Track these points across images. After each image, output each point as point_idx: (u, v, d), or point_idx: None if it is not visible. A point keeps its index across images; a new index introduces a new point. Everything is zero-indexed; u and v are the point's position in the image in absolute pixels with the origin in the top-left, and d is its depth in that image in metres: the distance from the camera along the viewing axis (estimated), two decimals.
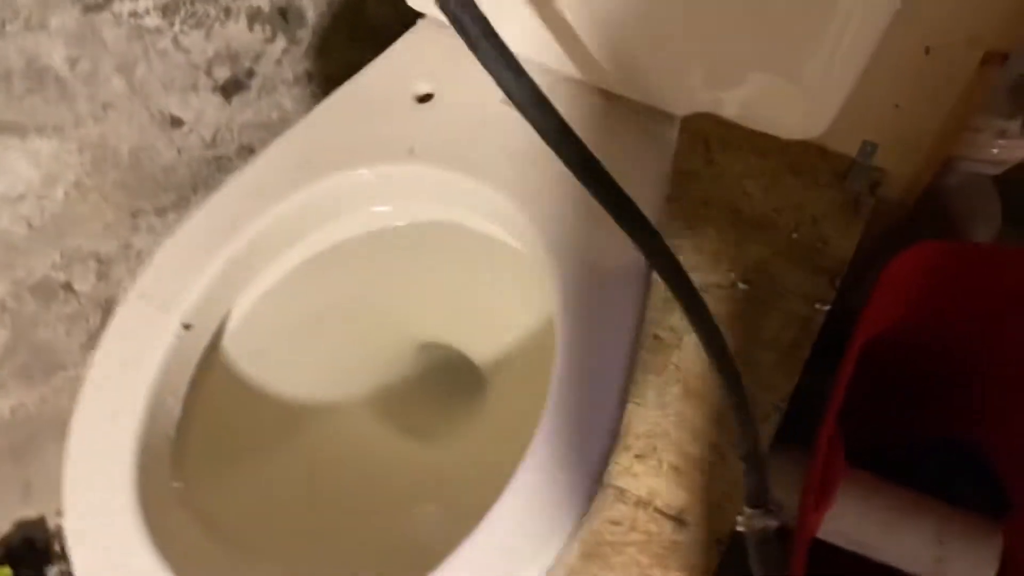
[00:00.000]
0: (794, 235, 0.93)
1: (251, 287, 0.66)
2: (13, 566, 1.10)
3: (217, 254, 0.61)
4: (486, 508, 0.56)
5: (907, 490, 0.90)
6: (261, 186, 0.63)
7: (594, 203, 0.46)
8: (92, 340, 1.20)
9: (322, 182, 0.65)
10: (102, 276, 1.16)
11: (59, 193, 1.03)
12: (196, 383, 0.62)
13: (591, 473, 0.51)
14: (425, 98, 0.72)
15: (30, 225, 1.03)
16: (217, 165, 1.19)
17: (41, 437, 1.27)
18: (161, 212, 1.17)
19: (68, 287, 1.14)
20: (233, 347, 0.66)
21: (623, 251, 0.55)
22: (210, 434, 0.63)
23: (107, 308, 1.20)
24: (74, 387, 1.25)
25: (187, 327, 0.60)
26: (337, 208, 0.66)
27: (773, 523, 0.66)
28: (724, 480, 0.84)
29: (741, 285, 0.91)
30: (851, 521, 0.88)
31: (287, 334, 0.70)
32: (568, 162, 0.45)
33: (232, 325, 0.66)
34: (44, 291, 1.11)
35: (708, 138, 1.00)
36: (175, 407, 0.60)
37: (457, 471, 0.68)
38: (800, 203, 0.95)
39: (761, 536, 0.66)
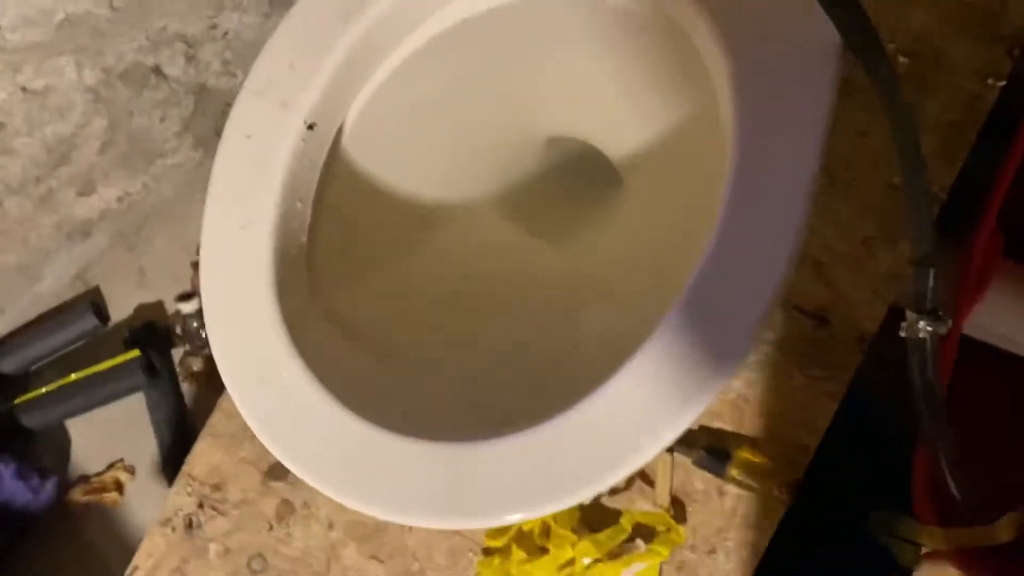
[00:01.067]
0: None
1: (370, 81, 0.59)
2: (139, 348, 1.14)
3: (334, 46, 0.55)
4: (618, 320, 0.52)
5: None
6: None
7: None
8: (187, 127, 1.18)
9: None
10: (191, 59, 1.11)
11: None
12: (323, 185, 0.58)
13: (763, 310, 0.46)
14: None
15: (113, 7, 0.97)
16: None
17: (148, 225, 1.29)
18: None
19: (158, 71, 1.10)
20: (355, 146, 0.61)
21: (810, 25, 0.46)
22: (340, 239, 0.60)
23: (199, 93, 1.17)
24: (174, 174, 1.24)
25: (311, 126, 0.55)
26: None
27: (942, 330, 0.60)
28: (873, 276, 0.79)
29: (902, 59, 0.80)
30: (1003, 314, 0.82)
31: (408, 130, 0.64)
32: None
33: (352, 122, 0.60)
34: (135, 77, 1.07)
35: None
36: (305, 212, 0.56)
37: (590, 276, 0.64)
38: None
39: (925, 344, 0.61)
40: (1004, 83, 0.78)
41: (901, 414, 0.70)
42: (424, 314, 0.61)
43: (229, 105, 1.25)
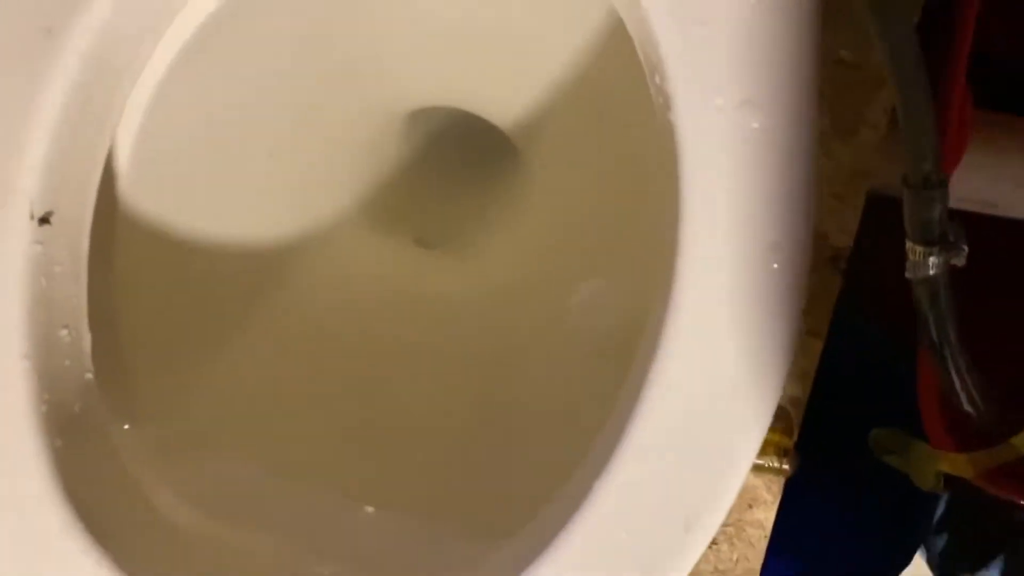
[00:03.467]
0: None
1: (126, 116, 0.40)
2: None
3: (44, 84, 0.35)
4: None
5: None
6: None
7: None
8: None
9: None
10: None
11: None
12: (101, 289, 0.40)
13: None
14: None
15: None
16: None
17: None
18: None
19: None
20: (137, 208, 0.43)
21: None
22: (153, 341, 0.42)
23: None
24: None
25: (44, 219, 0.36)
26: None
27: (959, 260, 0.49)
28: (833, 179, 0.67)
29: None
30: (987, 175, 0.72)
31: (212, 155, 0.46)
32: None
33: (125, 173, 0.42)
34: None
35: None
36: (79, 336, 0.39)
37: (507, 286, 0.49)
38: None
39: (938, 280, 0.50)
40: None
41: (899, 333, 0.61)
42: (301, 397, 0.45)
43: None
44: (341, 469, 0.44)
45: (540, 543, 0.34)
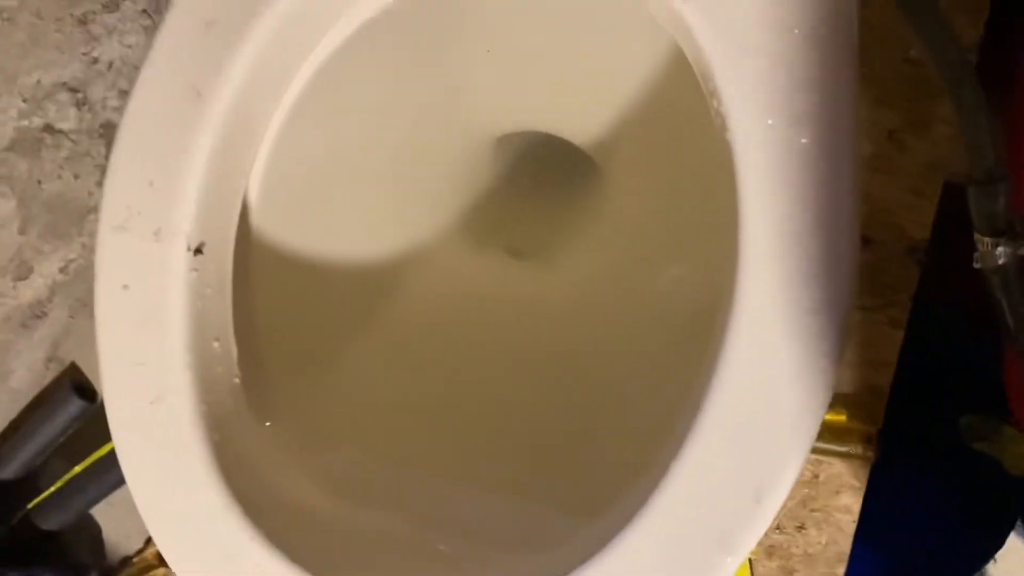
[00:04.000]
0: None
1: (259, 155, 0.47)
2: None
3: (194, 138, 0.42)
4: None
5: None
6: (215, 3, 0.41)
7: None
8: (105, 172, 1.07)
9: None
10: (82, 104, 0.98)
11: None
12: (242, 306, 0.46)
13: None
14: None
15: None
16: None
17: None
18: (112, 6, 0.96)
19: (51, 129, 0.98)
20: (267, 230, 0.49)
21: None
22: (285, 349, 0.49)
23: (106, 133, 1.05)
24: None
25: (198, 250, 0.43)
26: None
27: None
28: (910, 173, 0.67)
29: None
30: None
31: (329, 184, 0.52)
32: None
33: (255, 206, 0.48)
34: (27, 145, 0.95)
35: None
36: (227, 347, 0.45)
37: (592, 284, 0.53)
38: None
39: (1007, 269, 0.51)
40: None
41: (982, 319, 0.61)
42: (412, 394, 0.51)
43: None
44: (451, 457, 0.49)
45: (624, 519, 0.38)
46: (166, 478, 0.42)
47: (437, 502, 0.47)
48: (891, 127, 0.67)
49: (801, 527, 0.69)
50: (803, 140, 0.37)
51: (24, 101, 0.92)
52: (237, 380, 0.46)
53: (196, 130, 0.42)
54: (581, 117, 0.53)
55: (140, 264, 0.42)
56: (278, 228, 0.51)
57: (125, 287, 0.42)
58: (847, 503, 0.68)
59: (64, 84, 0.95)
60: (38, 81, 0.91)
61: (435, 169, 0.57)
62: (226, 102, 0.42)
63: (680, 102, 0.44)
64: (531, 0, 0.47)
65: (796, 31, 0.36)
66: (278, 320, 0.50)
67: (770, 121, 0.36)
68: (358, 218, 0.55)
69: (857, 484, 0.68)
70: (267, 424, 0.47)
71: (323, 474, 0.47)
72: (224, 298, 0.45)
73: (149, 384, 0.42)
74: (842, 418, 0.65)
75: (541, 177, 0.63)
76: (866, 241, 0.68)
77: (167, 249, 0.42)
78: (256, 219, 0.49)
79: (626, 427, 0.46)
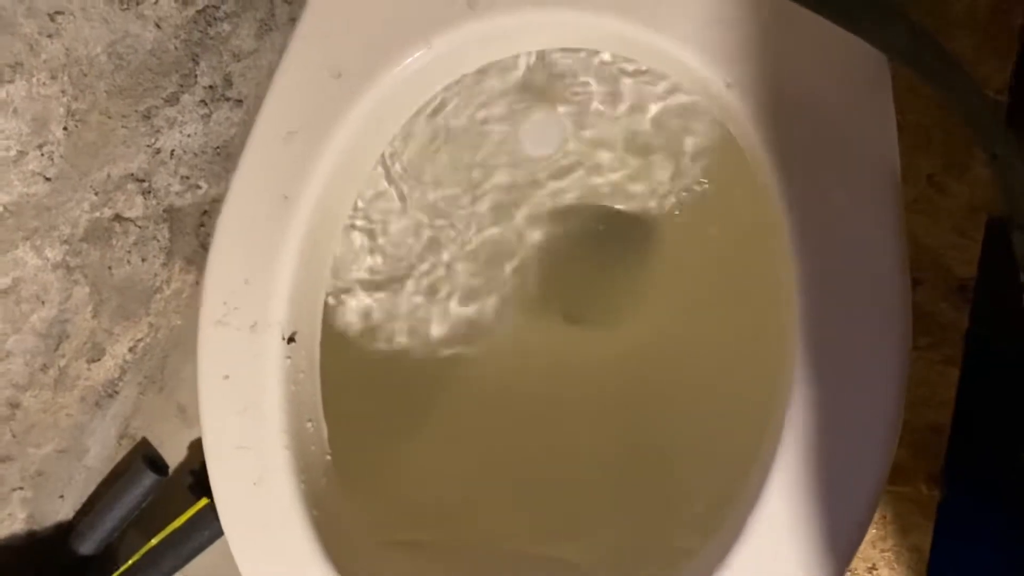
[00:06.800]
0: None
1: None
2: (205, 494, 1.09)
3: (284, 237, 0.46)
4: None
5: None
6: (293, 116, 0.45)
7: None
8: (170, 254, 1.12)
9: (374, 86, 0.46)
10: (147, 193, 1.04)
11: (57, 132, 0.89)
12: (329, 384, 0.49)
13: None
14: None
15: (46, 178, 0.89)
16: (205, 20, 1.00)
17: (171, 361, 1.24)
18: (172, 99, 1.01)
19: (120, 218, 1.03)
20: (343, 321, 0.52)
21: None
22: (368, 426, 0.52)
23: (170, 218, 1.10)
24: (176, 303, 1.18)
25: (291, 339, 0.46)
26: (406, 102, 0.48)
27: None
28: (952, 214, 0.69)
29: None
30: None
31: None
32: None
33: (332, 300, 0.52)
34: (98, 234, 1.01)
35: None
36: (319, 427, 0.49)
37: (650, 355, 0.55)
38: None
39: None
40: None
41: None
42: (483, 464, 0.53)
43: (206, 213, 1.17)
44: (531, 522, 0.51)
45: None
46: (272, 554, 0.45)
47: (528, 572, 0.49)
48: (929, 171, 0.69)
49: (872, 568, 0.70)
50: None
51: (96, 194, 0.97)
52: (329, 458, 0.49)
53: (285, 230, 0.46)
54: (636, 195, 0.56)
55: (239, 355, 0.46)
56: (349, 317, 0.54)
57: (226, 377, 0.46)
58: (916, 542, 0.69)
59: (131, 175, 1.00)
60: (108, 175, 0.96)
61: (496, 248, 0.60)
62: (310, 203, 0.46)
63: (730, 174, 0.46)
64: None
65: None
66: (359, 398, 0.53)
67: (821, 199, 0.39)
68: (426, 298, 0.58)
69: (925, 523, 0.69)
70: (358, 500, 0.50)
71: (411, 546, 0.49)
72: (314, 381, 0.48)
73: (252, 466, 0.45)
74: (902, 456, 0.66)
75: (595, 245, 0.65)
76: (915, 282, 0.69)
77: (263, 340, 0.46)
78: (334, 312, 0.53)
79: (693, 475, 0.48)
